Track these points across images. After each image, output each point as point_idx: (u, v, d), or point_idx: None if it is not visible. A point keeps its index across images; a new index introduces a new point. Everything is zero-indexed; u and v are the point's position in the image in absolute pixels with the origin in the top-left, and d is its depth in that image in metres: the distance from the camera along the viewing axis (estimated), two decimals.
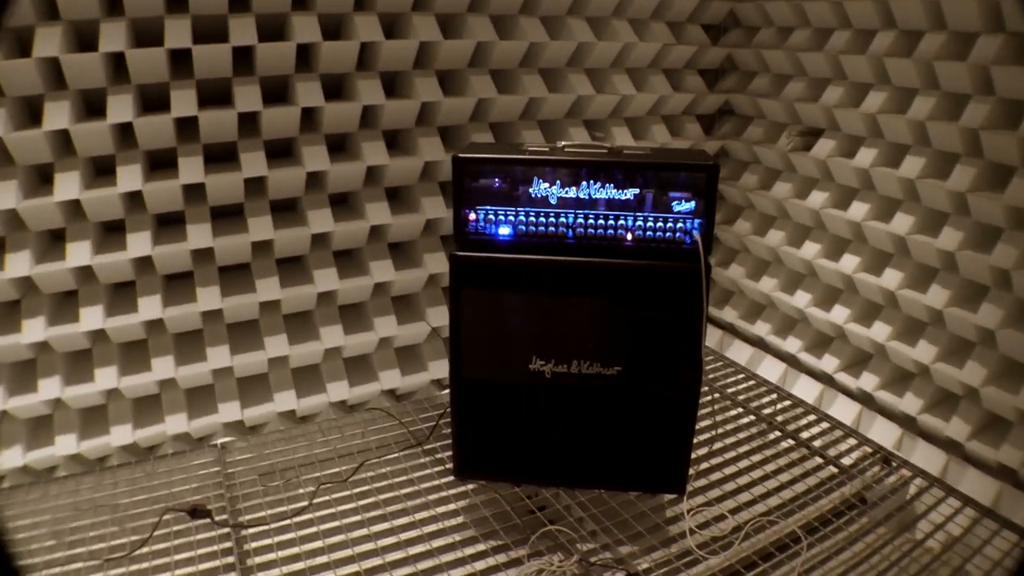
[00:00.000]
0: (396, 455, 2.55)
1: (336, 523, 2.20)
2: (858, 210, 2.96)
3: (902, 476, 2.56)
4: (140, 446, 2.65)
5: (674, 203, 2.12)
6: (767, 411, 2.91)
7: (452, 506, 2.33)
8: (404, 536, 2.16)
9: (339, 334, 2.88)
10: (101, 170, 2.52)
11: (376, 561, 2.05)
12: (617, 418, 2.25)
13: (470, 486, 2.41)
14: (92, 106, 2.47)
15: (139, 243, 2.52)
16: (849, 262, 3.02)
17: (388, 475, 2.44)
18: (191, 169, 2.52)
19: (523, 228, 2.16)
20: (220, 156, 2.65)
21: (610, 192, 2.13)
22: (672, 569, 2.09)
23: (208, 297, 2.66)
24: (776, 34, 3.30)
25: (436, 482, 2.43)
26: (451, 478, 2.40)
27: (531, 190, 2.14)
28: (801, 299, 3.24)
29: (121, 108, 2.38)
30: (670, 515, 2.35)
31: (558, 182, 2.13)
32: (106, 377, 2.55)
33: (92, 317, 2.50)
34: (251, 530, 2.15)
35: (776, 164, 3.34)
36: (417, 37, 2.68)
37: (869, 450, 2.68)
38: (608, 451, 2.30)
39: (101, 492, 2.32)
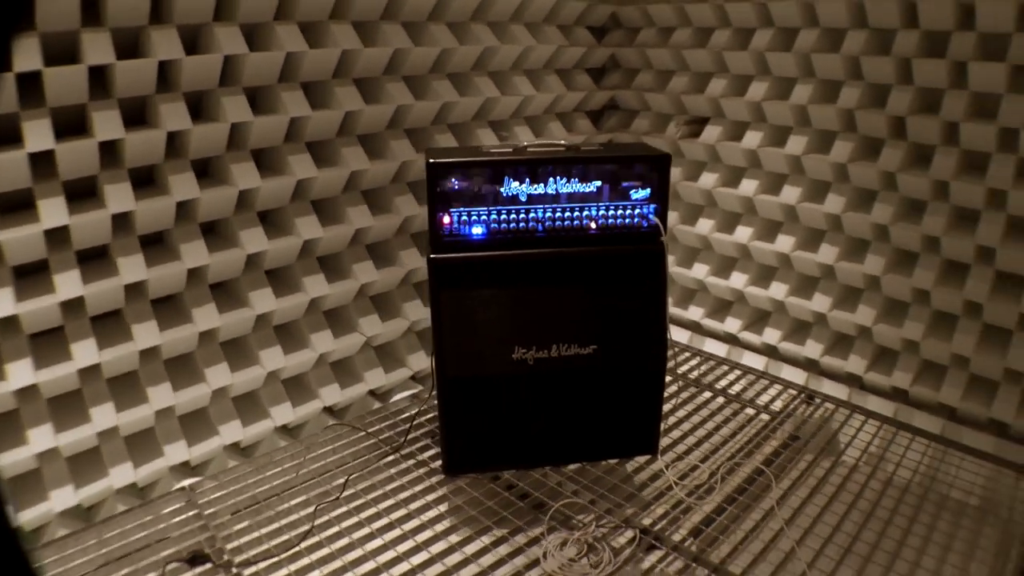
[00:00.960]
0: (377, 464, 2.55)
1: (346, 540, 2.18)
2: (748, 186, 3.32)
3: (825, 408, 2.96)
4: (84, 506, 2.44)
5: (631, 192, 2.31)
6: (708, 379, 3.21)
7: (454, 502, 2.37)
8: (419, 538, 2.19)
9: (279, 356, 2.79)
10: None
11: (404, 567, 2.07)
12: (595, 393, 2.41)
13: (463, 482, 2.47)
14: None
15: (68, 283, 2.31)
16: (743, 233, 3.38)
17: (378, 485, 2.44)
18: (119, 197, 2.34)
19: (496, 226, 2.26)
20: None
21: (575, 186, 2.28)
22: (672, 518, 2.30)
23: (145, 334, 2.49)
24: (657, 34, 3.60)
25: (428, 483, 2.47)
26: (440, 477, 2.46)
27: (502, 189, 2.24)
28: (700, 270, 3.57)
29: None
30: (650, 474, 2.54)
31: (527, 180, 2.24)
32: (41, 437, 2.32)
33: (21, 373, 2.26)
34: (260, 565, 2.08)
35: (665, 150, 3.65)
36: (338, 46, 2.66)
37: (794, 392, 3.06)
38: (588, 425, 2.45)
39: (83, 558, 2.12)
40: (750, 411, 2.96)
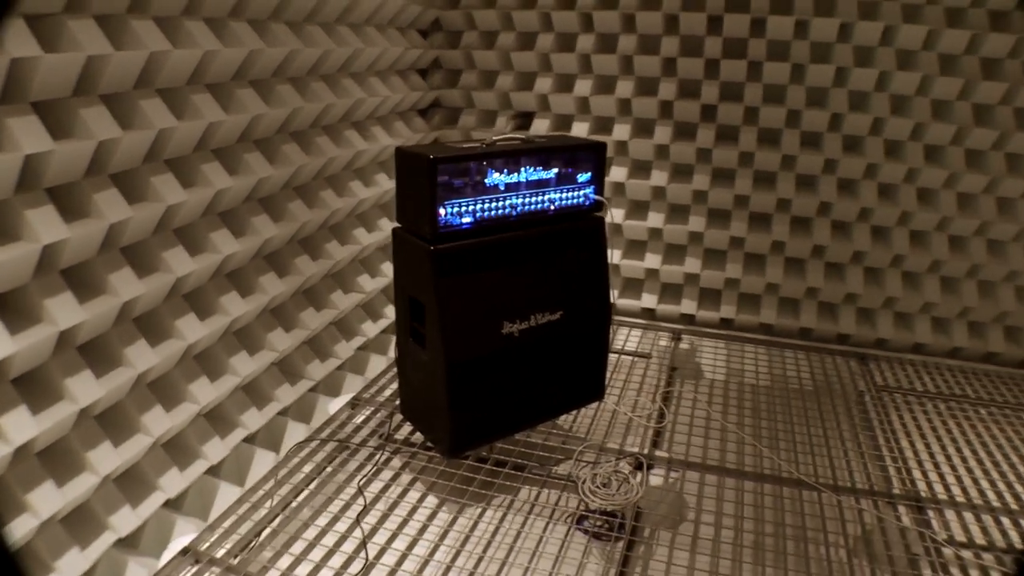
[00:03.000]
0: (376, 467, 2.56)
1: (405, 540, 2.23)
2: None
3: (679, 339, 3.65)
4: None
5: (578, 175, 2.67)
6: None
7: (469, 484, 2.51)
8: (460, 527, 2.32)
9: (207, 388, 2.59)
10: None
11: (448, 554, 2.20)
12: (562, 353, 2.72)
13: (468, 460, 2.60)
14: None
15: None
16: None
17: (390, 485, 2.48)
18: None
19: (481, 215, 2.46)
20: None
21: (540, 174, 2.56)
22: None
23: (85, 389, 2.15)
24: (481, 37, 3.94)
25: (439, 467, 2.56)
26: (437, 460, 2.58)
27: (486, 180, 2.44)
28: None
29: None
30: (606, 416, 2.95)
31: (505, 170, 2.47)
32: None
33: None
34: None
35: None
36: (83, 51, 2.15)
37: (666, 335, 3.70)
38: (557, 383, 2.76)
39: None
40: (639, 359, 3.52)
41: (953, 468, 2.65)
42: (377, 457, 2.61)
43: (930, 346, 3.59)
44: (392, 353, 3.50)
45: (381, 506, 2.38)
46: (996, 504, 2.46)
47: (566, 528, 2.32)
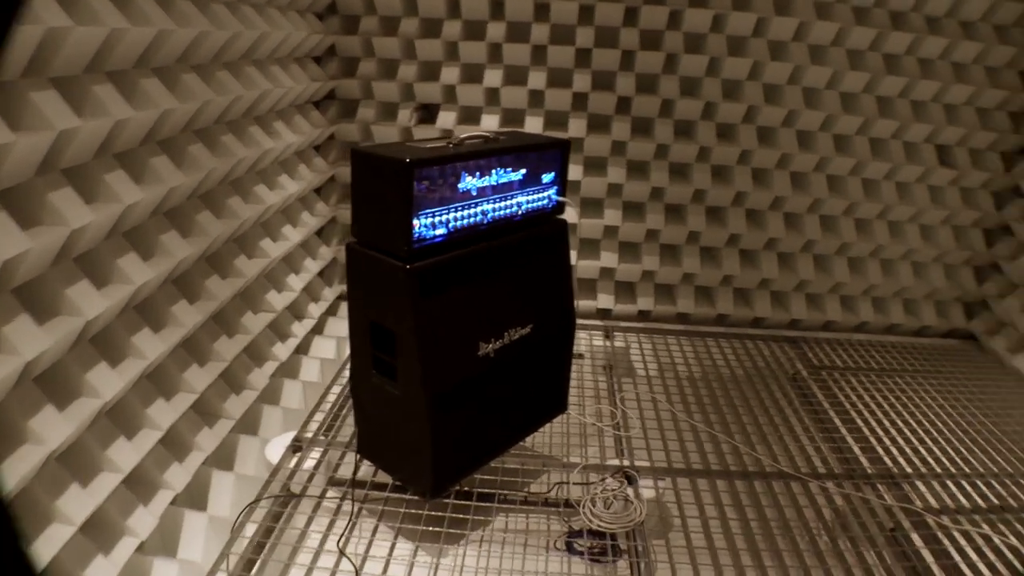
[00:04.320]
0: (351, 521, 2.21)
1: None
2: None
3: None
4: None
5: (543, 176, 2.46)
6: None
7: (463, 526, 2.24)
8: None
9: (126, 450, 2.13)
10: None
11: None
12: (533, 368, 2.52)
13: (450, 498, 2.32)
14: None
15: None
16: None
17: (372, 541, 2.15)
18: None
19: (453, 226, 2.18)
20: None
21: (510, 175, 2.33)
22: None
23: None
24: (380, 22, 3.57)
25: (421, 511, 2.24)
26: (415, 502, 2.28)
27: (460, 185, 2.17)
28: None
29: None
30: (575, 428, 2.78)
31: (477, 173, 2.21)
32: None
33: None
34: None
35: (393, 138, 3.68)
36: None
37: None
38: (527, 400, 2.56)
39: None
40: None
41: (907, 440, 2.77)
42: (351, 509, 2.25)
43: (839, 323, 3.79)
44: (312, 377, 3.11)
45: (373, 568, 2.04)
46: (954, 470, 2.59)
47: (568, 555, 2.15)
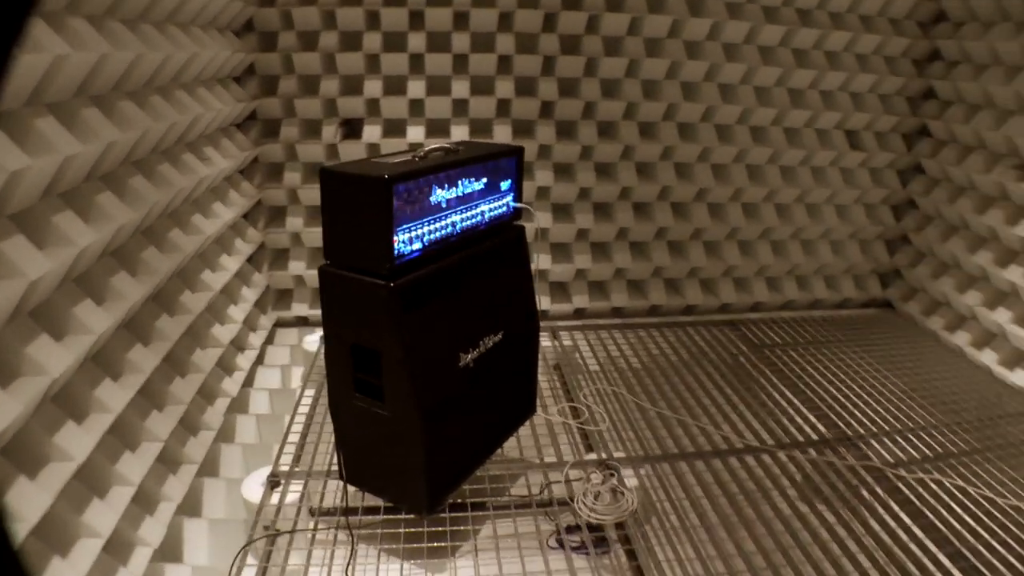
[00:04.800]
0: (352, 550, 2.14)
1: None
2: None
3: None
4: None
5: (501, 183, 2.48)
6: None
7: (465, 539, 2.22)
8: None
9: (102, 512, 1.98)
10: None
11: None
12: (505, 374, 2.53)
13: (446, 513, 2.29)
14: None
15: None
16: None
17: (380, 568, 2.09)
18: None
19: (428, 240, 2.17)
20: None
21: (474, 185, 2.33)
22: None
23: None
24: (299, 38, 3.46)
25: (421, 528, 2.20)
26: (410, 521, 2.23)
27: (431, 198, 2.15)
28: None
29: None
30: (545, 428, 2.79)
31: (446, 185, 2.20)
32: None
33: None
34: None
35: (319, 157, 3.59)
36: None
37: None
38: (504, 405, 2.57)
39: None
40: None
41: (854, 404, 2.97)
42: (348, 538, 2.17)
43: (766, 303, 4.02)
44: (263, 409, 2.98)
45: None
46: (899, 426, 2.82)
47: (566, 552, 2.16)
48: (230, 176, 3.25)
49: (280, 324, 3.70)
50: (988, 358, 3.40)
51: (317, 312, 3.72)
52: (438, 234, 2.16)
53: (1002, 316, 3.34)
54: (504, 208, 2.47)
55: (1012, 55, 3.36)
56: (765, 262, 3.94)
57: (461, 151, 2.28)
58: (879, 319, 4.01)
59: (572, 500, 2.32)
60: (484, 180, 2.34)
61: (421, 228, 2.09)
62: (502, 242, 2.45)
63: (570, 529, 2.30)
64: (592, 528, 2.25)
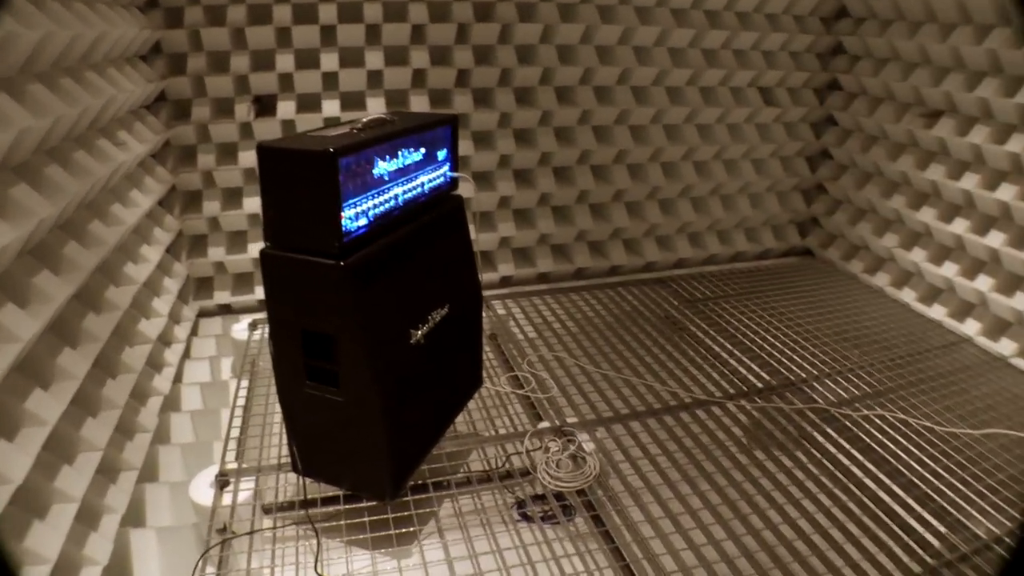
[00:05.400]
0: (320, 543, 2.06)
1: None
2: None
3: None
4: None
5: (437, 153, 2.42)
6: None
7: (430, 521, 2.18)
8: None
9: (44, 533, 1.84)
10: None
11: None
12: (454, 348, 2.49)
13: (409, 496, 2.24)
14: None
15: None
16: None
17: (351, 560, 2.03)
18: None
19: (373, 214, 2.09)
20: None
21: (414, 156, 2.26)
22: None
23: None
24: (205, 13, 3.24)
25: (387, 515, 2.14)
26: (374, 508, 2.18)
27: (374, 171, 2.07)
28: None
29: None
30: (493, 400, 2.78)
31: (387, 156, 2.13)
32: None
33: None
34: None
35: (233, 136, 3.41)
36: None
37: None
38: (454, 380, 2.54)
39: None
40: None
41: (792, 350, 3.09)
42: (313, 532, 2.10)
43: (690, 259, 4.11)
44: (196, 405, 2.85)
45: None
46: (838, 367, 2.96)
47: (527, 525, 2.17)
48: (143, 161, 3.03)
49: (203, 314, 3.52)
50: (907, 296, 3.65)
51: (240, 299, 3.57)
52: (383, 208, 2.08)
53: (917, 255, 3.59)
54: (442, 178, 2.41)
55: (914, 11, 3.54)
56: (687, 219, 4.03)
57: (397, 121, 2.21)
58: (801, 266, 4.18)
59: (532, 470, 2.32)
60: (423, 151, 2.27)
61: (366, 203, 2.01)
62: (443, 213, 2.40)
63: (534, 499, 2.30)
64: (557, 497, 2.26)
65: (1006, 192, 3.17)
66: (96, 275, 2.39)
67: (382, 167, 2.06)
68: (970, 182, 3.33)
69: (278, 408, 2.17)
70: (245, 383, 2.81)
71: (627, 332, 3.31)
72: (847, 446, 2.44)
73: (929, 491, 2.24)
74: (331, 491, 2.26)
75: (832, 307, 3.56)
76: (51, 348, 2.03)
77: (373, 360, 1.97)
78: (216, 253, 3.47)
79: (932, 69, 3.54)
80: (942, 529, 2.12)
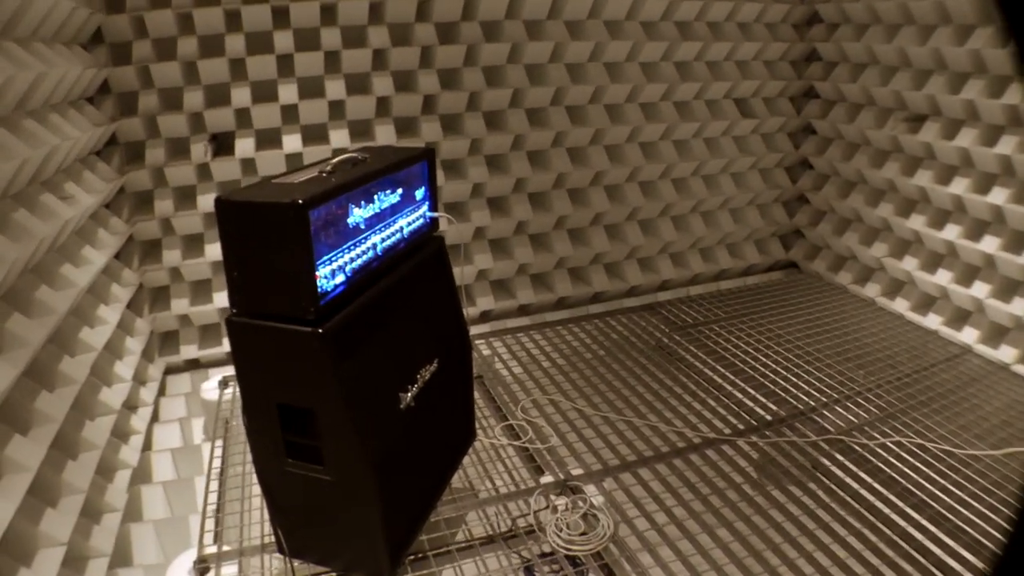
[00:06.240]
0: None
1: None
2: None
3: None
4: None
5: (415, 193, 2.24)
6: None
7: None
8: None
9: None
10: None
11: None
12: (443, 404, 2.31)
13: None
14: None
15: None
16: None
17: None
18: None
19: (350, 269, 1.91)
20: None
21: (391, 198, 2.09)
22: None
23: None
24: (155, 47, 3.03)
25: None
26: None
27: (349, 220, 1.89)
28: None
29: None
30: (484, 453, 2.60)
31: (362, 202, 1.95)
32: None
33: None
34: None
35: (191, 179, 3.19)
36: None
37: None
38: (447, 438, 2.36)
39: None
40: None
41: (796, 376, 2.97)
42: None
43: (673, 280, 3.98)
44: (168, 475, 2.63)
45: None
46: (846, 391, 2.85)
47: None
48: (96, 213, 2.79)
49: (170, 371, 3.29)
50: (900, 306, 3.56)
51: (208, 352, 3.35)
52: (361, 261, 1.91)
53: (909, 264, 3.50)
54: (422, 220, 2.24)
55: (890, 14, 3.47)
56: (668, 239, 3.91)
57: (369, 160, 2.04)
58: (788, 282, 4.07)
59: (536, 528, 2.15)
60: (400, 191, 2.10)
61: (342, 257, 1.83)
62: (425, 258, 2.23)
63: (541, 557, 2.14)
64: (569, 559, 2.09)
65: (998, 195, 3.09)
66: (48, 347, 2.17)
67: (357, 215, 1.89)
68: (960, 186, 3.26)
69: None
70: (220, 444, 2.61)
71: (620, 366, 3.15)
72: (868, 479, 2.31)
73: (960, 522, 2.12)
74: (322, 571, 2.08)
75: (827, 324, 3.45)
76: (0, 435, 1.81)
77: (361, 435, 1.78)
78: (179, 305, 3.23)
79: (913, 72, 3.47)
80: (979, 564, 2.00)
